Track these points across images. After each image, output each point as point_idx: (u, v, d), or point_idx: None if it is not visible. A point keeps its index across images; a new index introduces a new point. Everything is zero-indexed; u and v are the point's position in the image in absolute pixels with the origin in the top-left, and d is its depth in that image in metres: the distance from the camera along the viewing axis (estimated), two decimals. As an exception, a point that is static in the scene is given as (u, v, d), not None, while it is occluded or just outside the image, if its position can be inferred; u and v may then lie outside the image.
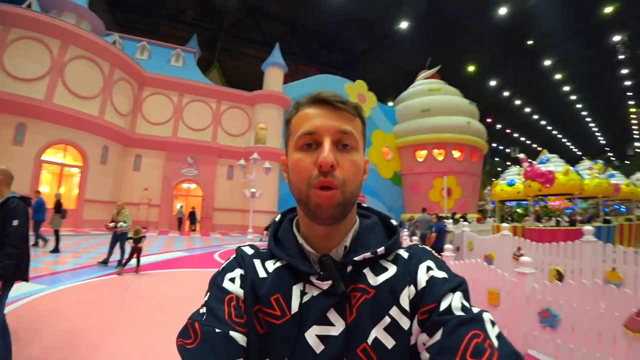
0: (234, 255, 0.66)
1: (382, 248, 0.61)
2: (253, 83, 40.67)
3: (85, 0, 17.18)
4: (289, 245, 0.63)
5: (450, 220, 11.21)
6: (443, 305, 0.52)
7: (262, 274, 0.61)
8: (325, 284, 0.57)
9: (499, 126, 53.92)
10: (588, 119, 52.13)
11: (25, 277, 2.61)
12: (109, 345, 3.43)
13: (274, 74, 22.44)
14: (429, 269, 0.59)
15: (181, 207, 19.71)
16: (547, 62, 38.46)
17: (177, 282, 6.75)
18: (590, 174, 10.85)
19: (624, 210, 19.55)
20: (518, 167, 11.68)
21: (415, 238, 8.85)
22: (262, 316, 0.57)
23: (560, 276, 4.85)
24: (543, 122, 54.07)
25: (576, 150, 64.38)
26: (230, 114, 21.54)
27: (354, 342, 0.55)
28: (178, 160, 19.23)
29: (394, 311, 0.56)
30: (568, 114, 49.84)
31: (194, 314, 0.56)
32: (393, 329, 0.55)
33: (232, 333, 0.52)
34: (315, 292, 0.58)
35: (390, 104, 33.83)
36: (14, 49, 13.80)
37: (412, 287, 0.57)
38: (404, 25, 33.95)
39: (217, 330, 0.52)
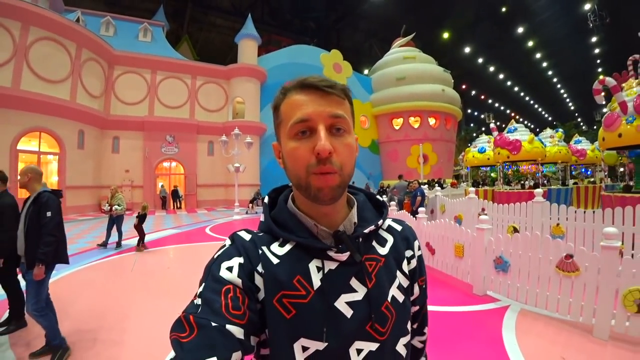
0: (230, 242, 0.65)
1: (381, 221, 0.70)
2: (226, 54, 39.69)
3: (41, -24, 16.17)
4: (295, 226, 0.64)
5: (426, 186, 11.96)
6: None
7: (274, 260, 0.62)
8: (344, 256, 0.62)
9: (473, 92, 54.89)
10: (559, 86, 53.71)
11: (65, 260, 3.05)
12: (133, 313, 3.94)
13: (247, 46, 22.10)
14: (419, 248, 0.76)
15: (162, 186, 19.76)
16: (520, 29, 39.02)
17: (177, 256, 7.28)
18: (552, 142, 11.73)
19: (589, 173, 20.82)
20: (488, 135, 12.41)
21: (393, 203, 9.50)
22: (286, 301, 0.58)
23: (516, 231, 5.65)
24: (516, 89, 55.34)
25: (547, 116, 66.53)
26: (207, 89, 21.27)
27: (377, 302, 0.62)
28: (157, 140, 19.10)
29: (398, 274, 0.69)
30: (540, 80, 51.17)
31: (188, 307, 0.55)
32: (401, 287, 0.68)
33: (228, 326, 0.52)
34: (333, 266, 0.62)
35: (366, 71, 33.85)
36: (-27, 35, 13.06)
37: (413, 260, 0.73)
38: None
39: (213, 323, 0.51)
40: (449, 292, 4.46)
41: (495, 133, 11.03)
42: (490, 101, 59.48)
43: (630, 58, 10.98)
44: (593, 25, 34.52)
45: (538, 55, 43.90)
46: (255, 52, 22.41)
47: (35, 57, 14.35)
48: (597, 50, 40.31)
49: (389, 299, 0.65)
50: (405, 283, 0.70)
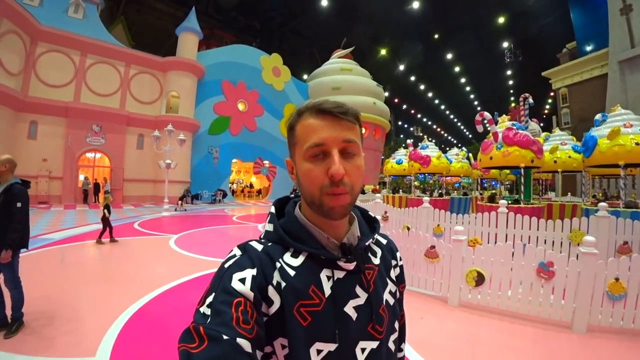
0: (241, 253, 0.66)
1: (376, 235, 0.80)
2: (163, 42, 38.00)
3: None
4: (307, 238, 0.68)
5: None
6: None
7: (291, 272, 0.64)
8: (351, 266, 0.69)
9: (405, 106, 59.40)
10: (479, 108, 60.26)
11: (26, 246, 3.44)
12: (72, 299, 4.33)
13: (188, 39, 21.84)
14: (400, 258, 0.87)
15: (86, 178, 18.58)
16: (449, 56, 43.33)
17: (111, 248, 7.41)
18: (456, 159, 13.90)
19: (498, 185, 24.10)
20: (406, 149, 14.15)
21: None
22: (303, 310, 0.62)
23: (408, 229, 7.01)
24: (442, 107, 60.94)
25: (468, 133, 73.98)
26: (140, 80, 20.48)
27: (376, 305, 0.71)
28: (82, 128, 17.90)
29: (388, 281, 0.78)
30: (463, 102, 57.01)
31: (196, 316, 0.56)
32: (391, 292, 0.78)
33: (239, 340, 0.52)
34: (341, 275, 0.68)
35: (305, 76, 35.06)
36: None
37: (397, 268, 0.84)
38: (324, 2, 34.81)
39: (225, 336, 0.52)
40: None
41: (411, 148, 12.75)
42: (419, 116, 64.69)
43: (522, 95, 13.44)
44: (509, 61, 39.89)
45: (462, 80, 49.07)
46: (196, 47, 22.22)
47: (-59, 24, 12.87)
48: (510, 82, 46.45)
49: (384, 302, 0.73)
50: (394, 288, 0.80)
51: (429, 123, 68.04)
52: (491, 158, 8.00)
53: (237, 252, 0.67)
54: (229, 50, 24.97)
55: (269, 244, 0.69)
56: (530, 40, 37.62)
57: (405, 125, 68.97)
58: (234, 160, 25.08)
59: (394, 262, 0.83)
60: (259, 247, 0.68)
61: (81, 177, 18.69)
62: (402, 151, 14.18)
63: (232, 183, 28.04)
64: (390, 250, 0.84)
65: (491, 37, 38.19)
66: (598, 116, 8.07)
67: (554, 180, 23.06)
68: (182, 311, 3.94)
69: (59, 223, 10.71)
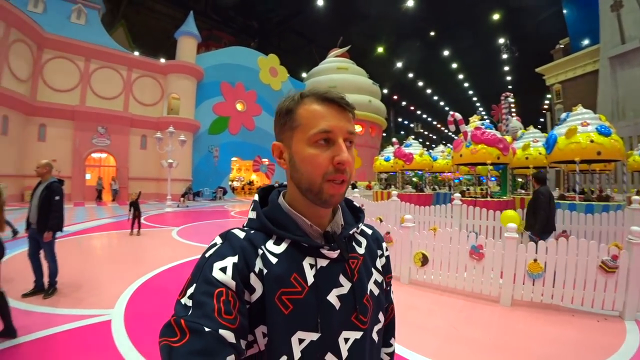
0: (222, 241, 0.66)
1: (361, 224, 0.80)
2: (163, 43, 38.80)
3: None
4: (291, 225, 0.68)
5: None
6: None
7: (273, 259, 0.64)
8: (335, 254, 0.69)
9: (404, 103, 59.76)
10: (478, 104, 60.50)
11: (61, 229, 4.46)
12: (96, 277, 5.19)
13: (187, 43, 22.65)
14: (386, 248, 0.88)
15: (100, 178, 19.60)
16: (446, 52, 43.65)
17: (121, 237, 8.55)
18: (442, 156, 14.63)
19: (494, 180, 24.86)
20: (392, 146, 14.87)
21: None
22: (285, 298, 0.61)
23: (380, 220, 7.85)
24: (442, 103, 61.12)
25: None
26: (142, 83, 21.41)
27: (360, 295, 0.70)
28: (88, 130, 18.90)
29: (374, 271, 0.78)
30: (462, 98, 57.20)
31: (177, 309, 0.56)
32: (376, 282, 0.78)
33: (221, 331, 0.52)
34: (325, 263, 0.68)
35: (305, 74, 35.78)
36: None
37: (383, 258, 0.84)
38: (320, 1, 35.39)
39: (207, 328, 0.51)
40: None
41: (396, 146, 13.49)
42: (419, 112, 65.00)
43: (502, 94, 14.09)
44: (505, 57, 40.25)
45: (460, 76, 49.36)
46: (194, 50, 23.01)
47: (-45, 35, 13.77)
48: (508, 78, 46.75)
49: (368, 292, 0.73)
50: (380, 278, 0.80)
51: (429, 119, 68.38)
52: (461, 155, 8.70)
53: (219, 240, 0.66)
54: (227, 52, 25.75)
55: (252, 231, 0.69)
56: (526, 36, 37.97)
57: (405, 122, 69.37)
58: (233, 159, 25.92)
59: (379, 252, 0.84)
60: (242, 234, 0.67)
61: (87, 177, 19.72)
62: (390, 149, 14.90)
63: (233, 181, 28.96)
64: (376, 240, 0.85)
65: (487, 34, 38.54)
66: (563, 115, 8.78)
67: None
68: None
69: (72, 218, 11.69)
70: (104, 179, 19.92)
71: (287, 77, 29.12)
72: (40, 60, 17.96)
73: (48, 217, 4.19)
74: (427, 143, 59.21)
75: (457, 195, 7.44)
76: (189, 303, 0.56)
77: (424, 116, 66.85)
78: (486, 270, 4.53)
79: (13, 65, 15.96)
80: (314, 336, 0.63)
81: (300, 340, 0.62)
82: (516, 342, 3.41)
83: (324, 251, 0.68)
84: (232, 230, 0.69)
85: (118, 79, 20.47)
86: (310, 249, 0.68)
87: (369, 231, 0.86)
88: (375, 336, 0.75)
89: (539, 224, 5.06)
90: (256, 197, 0.76)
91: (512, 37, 38.57)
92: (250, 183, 30.90)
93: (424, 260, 4.93)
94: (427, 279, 4.97)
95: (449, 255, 4.78)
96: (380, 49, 42.08)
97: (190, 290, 0.58)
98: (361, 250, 0.77)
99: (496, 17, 34.54)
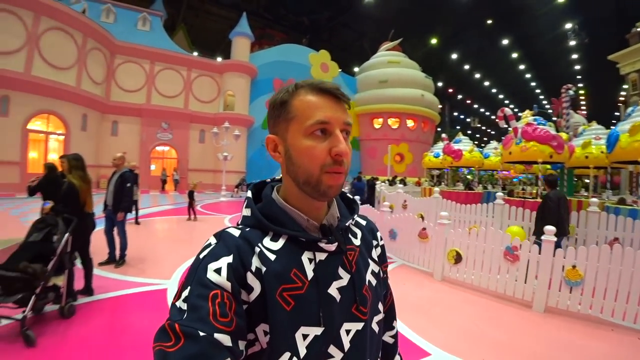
0: (216, 241, 0.64)
1: (356, 216, 0.80)
2: (219, 43, 40.83)
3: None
4: (287, 220, 0.68)
5: (386, 183, 14.03)
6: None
7: (271, 256, 0.63)
8: (333, 247, 0.68)
9: (460, 97, 56.88)
10: (542, 97, 56.00)
11: (130, 211, 5.52)
12: (161, 253, 5.94)
13: (241, 43, 23.70)
14: (381, 238, 0.88)
15: (164, 169, 21.61)
16: (505, 41, 40.70)
17: (179, 222, 9.62)
18: (495, 153, 13.95)
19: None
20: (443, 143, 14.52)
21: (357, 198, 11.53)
22: (286, 294, 0.61)
23: (422, 217, 7.81)
24: (501, 96, 57.16)
25: (529, 122, 68.74)
26: (200, 82, 22.89)
27: (359, 286, 0.70)
28: (153, 126, 20.76)
29: (370, 261, 0.79)
30: (524, 90, 53.19)
31: (172, 312, 0.55)
32: (373, 272, 0.78)
33: (216, 335, 0.51)
34: (323, 256, 0.67)
35: (356, 69, 35.57)
36: (-13, 21, 14.26)
37: (378, 248, 0.84)
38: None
39: (201, 333, 0.50)
40: None
41: (445, 142, 13.16)
42: (476, 106, 61.57)
43: (563, 87, 13.09)
44: (573, 44, 36.66)
45: (522, 67, 45.91)
46: (248, 49, 24.04)
47: (46, 45, 15.74)
48: (576, 67, 42.56)
49: (367, 282, 0.73)
50: (376, 269, 0.80)
51: (487, 113, 64.49)
52: (510, 153, 8.32)
53: (213, 240, 0.65)
54: (279, 50, 26.52)
55: (247, 229, 0.68)
56: (596, 19, 34.04)
57: (462, 117, 66.00)
58: (283, 153, 26.67)
59: (374, 242, 0.84)
60: (236, 233, 0.66)
61: (152, 167, 21.68)
62: (440, 144, 14.55)
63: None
64: (370, 231, 0.85)
65: (551, 19, 35.20)
66: (629, 109, 8.04)
67: (619, 177, 21.27)
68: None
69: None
70: (167, 170, 21.78)
71: (339, 73, 29.25)
72: (112, 65, 20.07)
73: (121, 200, 5.07)
74: (485, 139, 56.10)
75: (500, 194, 7.19)
76: (184, 307, 0.55)
77: (482, 110, 63.22)
78: (520, 273, 4.40)
79: (90, 70, 18.01)
80: (318, 330, 0.62)
81: (305, 336, 0.61)
82: (543, 351, 3.26)
83: (322, 244, 0.67)
84: (227, 229, 0.68)
85: (179, 78, 22.10)
86: (308, 243, 0.67)
87: (363, 222, 0.86)
88: (375, 327, 0.75)
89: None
90: (249, 193, 0.75)
91: (581, 22, 34.83)
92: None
93: (458, 258, 4.94)
94: (460, 277, 4.97)
95: (483, 254, 4.74)
96: (433, 41, 40.50)
97: (185, 293, 0.56)
98: (357, 242, 0.78)
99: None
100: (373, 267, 0.79)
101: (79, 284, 3.92)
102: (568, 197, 9.21)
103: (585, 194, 12.17)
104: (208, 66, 23.04)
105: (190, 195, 9.90)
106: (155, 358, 0.50)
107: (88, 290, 4.03)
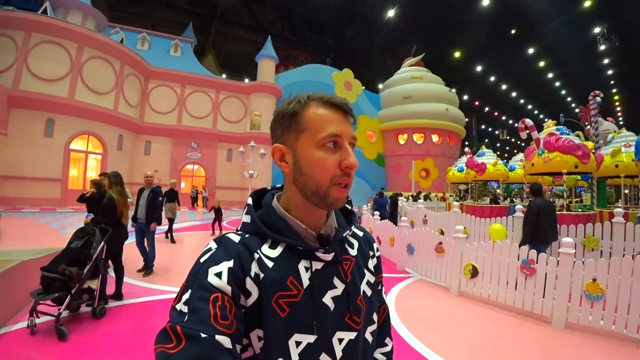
0: (216, 245, 0.65)
1: (353, 227, 0.82)
2: (246, 65, 42.45)
3: (88, -4, 19.23)
4: (286, 229, 0.69)
5: (409, 199, 13.95)
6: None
7: (269, 263, 0.64)
8: (329, 256, 0.69)
9: (487, 109, 55.78)
10: (573, 105, 54.03)
11: (160, 223, 5.76)
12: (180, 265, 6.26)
13: (266, 65, 24.61)
14: (377, 249, 0.89)
15: (194, 187, 22.60)
16: (531, 50, 39.74)
17: (205, 236, 9.98)
18: (520, 165, 13.59)
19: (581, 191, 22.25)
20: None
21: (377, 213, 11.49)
22: (282, 301, 0.62)
23: (442, 232, 7.72)
24: (530, 107, 55.49)
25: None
26: (228, 103, 23.88)
27: (354, 296, 0.72)
28: (183, 145, 21.82)
29: (366, 272, 0.80)
30: (553, 99, 51.48)
31: (173, 315, 0.56)
32: (369, 283, 0.79)
33: (217, 337, 0.52)
34: (319, 266, 0.69)
35: (381, 85, 35.86)
36: (37, 52, 15.84)
37: (374, 259, 0.85)
38: (391, 13, 35.41)
39: (203, 334, 0.51)
40: (383, 266, 6.64)
41: (468, 156, 13.01)
42: (504, 118, 60.14)
43: (591, 94, 12.71)
44: (603, 48, 35.26)
45: (550, 75, 44.61)
46: (273, 71, 24.94)
47: (88, 72, 17.19)
48: (608, 72, 40.81)
49: (361, 293, 0.75)
50: (372, 279, 0.81)
51: (515, 125, 62.62)
52: (533, 165, 8.13)
53: (213, 245, 0.66)
54: (303, 71, 27.31)
55: (247, 235, 0.69)
56: (627, 20, 32.43)
57: (490, 129, 64.61)
58: (309, 170, 27.03)
59: (371, 253, 0.85)
60: (236, 238, 0.67)
61: (182, 185, 22.54)
62: (464, 158, 14.38)
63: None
64: (367, 242, 0.86)
65: (578, 24, 34.00)
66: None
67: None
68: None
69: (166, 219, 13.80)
70: (197, 187, 22.69)
71: (362, 90, 29.61)
72: (146, 89, 21.48)
73: (153, 212, 5.57)
74: (515, 151, 54.35)
75: (519, 207, 7.05)
76: (185, 309, 0.56)
77: (510, 122, 61.61)
78: (538, 287, 4.29)
79: (127, 94, 19.35)
80: (311, 338, 0.63)
81: (297, 343, 0.62)
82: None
83: (319, 254, 0.68)
84: (227, 235, 0.69)
85: (208, 100, 23.18)
86: (305, 252, 0.68)
87: (360, 233, 0.87)
88: (368, 337, 0.76)
89: (523, 236, 5.05)
90: (249, 200, 0.76)
91: (610, 25, 33.39)
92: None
93: (474, 272, 4.90)
94: (477, 292, 4.90)
95: (499, 268, 4.68)
96: (457, 54, 40.27)
97: (186, 296, 0.58)
98: (353, 252, 0.79)
99: (587, 3, 30.61)
100: (369, 277, 0.80)
101: (110, 289, 4.29)
102: (598, 209, 8.90)
103: (619, 205, 11.59)
104: (235, 88, 24.04)
105: (218, 211, 10.32)
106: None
107: (118, 295, 4.40)
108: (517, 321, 4.27)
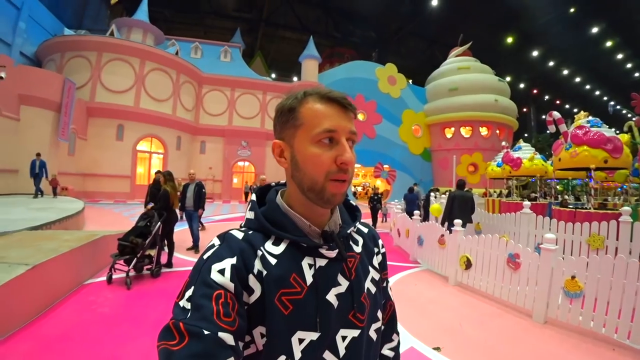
0: (220, 242, 0.66)
1: (357, 223, 0.81)
2: (294, 64, 43.32)
3: (146, 14, 21.84)
4: (289, 226, 0.68)
5: (446, 194, 14.04)
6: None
7: (272, 260, 0.64)
8: (333, 253, 0.69)
9: (547, 97, 51.70)
10: (647, 89, 48.01)
11: (204, 209, 7.08)
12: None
13: (309, 65, 25.64)
14: (382, 246, 0.88)
15: (246, 182, 23.92)
16: (595, 29, 36.21)
17: None
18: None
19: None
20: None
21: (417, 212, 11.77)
22: (285, 298, 0.62)
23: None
24: (597, 93, 50.44)
25: (632, 117, 59.16)
26: (275, 103, 24.96)
27: (357, 294, 0.71)
28: (234, 144, 23.68)
29: (371, 269, 0.78)
30: (625, 82, 46.09)
31: (176, 312, 0.56)
32: (373, 280, 0.78)
33: (220, 334, 0.52)
34: (323, 262, 0.68)
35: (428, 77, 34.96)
36: (108, 69, 18.53)
37: (379, 256, 0.84)
38: (435, 1, 34.34)
39: (206, 331, 0.51)
40: (397, 256, 7.53)
41: (505, 150, 12.79)
42: (567, 106, 55.39)
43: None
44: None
45: (620, 56, 40.25)
46: (316, 70, 25.86)
47: (149, 83, 19.50)
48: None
49: (365, 290, 0.73)
50: (377, 276, 0.80)
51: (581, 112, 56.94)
52: (560, 160, 7.88)
53: (216, 241, 0.66)
54: (346, 68, 27.64)
55: (250, 232, 0.69)
56: None
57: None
58: (356, 166, 27.22)
59: (376, 250, 0.84)
60: (240, 235, 0.67)
61: (235, 180, 24.38)
62: (502, 154, 14.07)
63: (356, 186, 30.86)
64: (372, 238, 0.85)
65: None
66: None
67: None
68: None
69: (219, 211, 15.87)
70: (241, 183, 24.38)
71: (407, 84, 29.19)
72: (200, 94, 23.57)
73: (200, 201, 6.98)
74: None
75: (527, 203, 7.20)
76: (188, 306, 0.56)
77: (574, 110, 56.41)
78: (521, 281, 4.47)
79: (183, 100, 21.53)
80: (314, 335, 0.63)
81: (300, 340, 0.62)
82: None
83: (323, 251, 0.68)
84: (230, 231, 0.69)
85: (256, 101, 24.75)
86: (309, 248, 0.68)
87: (365, 229, 0.86)
88: (373, 334, 0.75)
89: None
90: (253, 196, 0.76)
91: None
92: (374, 189, 32.03)
93: (468, 264, 5.33)
94: (470, 283, 5.32)
95: (489, 261, 5.03)
96: (509, 39, 37.75)
97: (189, 293, 0.58)
98: (358, 249, 0.78)
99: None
100: (373, 274, 0.79)
101: (164, 259, 5.87)
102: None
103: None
104: (281, 88, 25.32)
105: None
106: (160, 357, 0.51)
107: (169, 264, 5.89)
108: (499, 312, 4.47)
